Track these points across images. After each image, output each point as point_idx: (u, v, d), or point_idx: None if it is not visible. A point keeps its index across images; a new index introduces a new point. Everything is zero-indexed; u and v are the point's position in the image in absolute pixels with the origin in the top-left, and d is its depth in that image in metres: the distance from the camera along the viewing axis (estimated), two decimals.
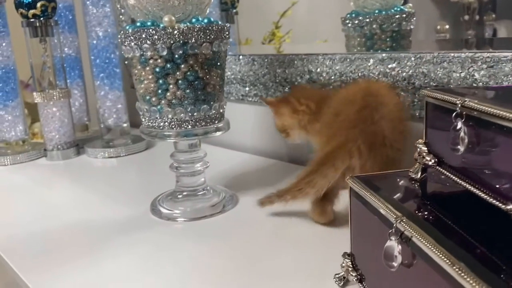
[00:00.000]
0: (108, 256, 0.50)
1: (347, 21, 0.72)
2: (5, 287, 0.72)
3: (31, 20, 0.85)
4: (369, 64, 0.62)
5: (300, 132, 0.60)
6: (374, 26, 0.70)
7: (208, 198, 0.61)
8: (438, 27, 0.75)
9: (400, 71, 0.58)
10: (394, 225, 0.29)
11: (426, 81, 0.56)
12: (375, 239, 0.33)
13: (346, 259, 0.39)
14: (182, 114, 0.54)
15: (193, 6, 0.53)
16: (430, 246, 0.26)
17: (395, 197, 0.33)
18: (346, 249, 0.40)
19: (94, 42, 0.89)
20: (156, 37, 0.50)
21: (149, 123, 0.55)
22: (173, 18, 0.50)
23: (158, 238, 0.53)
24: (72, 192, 0.72)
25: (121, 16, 1.01)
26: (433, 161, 0.33)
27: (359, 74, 0.63)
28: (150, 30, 0.50)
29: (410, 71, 0.57)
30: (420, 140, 0.35)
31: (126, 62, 0.94)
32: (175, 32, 0.50)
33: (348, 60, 0.64)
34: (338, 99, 0.52)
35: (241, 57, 0.81)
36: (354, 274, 0.37)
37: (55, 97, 0.88)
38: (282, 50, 0.91)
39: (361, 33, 0.73)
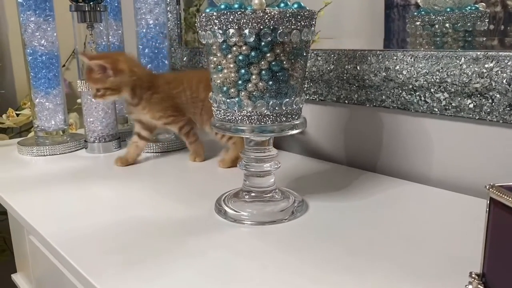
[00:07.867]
0: (178, 260, 0.45)
1: (416, 19, 0.68)
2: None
3: (80, 4, 0.81)
4: (460, 62, 0.56)
5: None
6: (447, 25, 0.66)
7: (277, 201, 0.56)
8: None
9: (500, 71, 0.53)
10: None
11: None
12: None
13: (476, 280, 0.34)
14: (263, 108, 0.49)
15: None
16: None
17: None
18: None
19: (144, 30, 0.85)
20: (243, 21, 0.45)
21: (225, 116, 0.51)
22: (263, 0, 0.45)
23: (227, 243, 0.48)
24: (120, 187, 0.67)
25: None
26: None
27: (448, 73, 0.57)
28: (238, 13, 0.45)
29: None
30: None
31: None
32: (266, 16, 0.45)
33: (434, 57, 0.59)
34: None
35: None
36: None
37: None
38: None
39: (431, 32, 0.68)
